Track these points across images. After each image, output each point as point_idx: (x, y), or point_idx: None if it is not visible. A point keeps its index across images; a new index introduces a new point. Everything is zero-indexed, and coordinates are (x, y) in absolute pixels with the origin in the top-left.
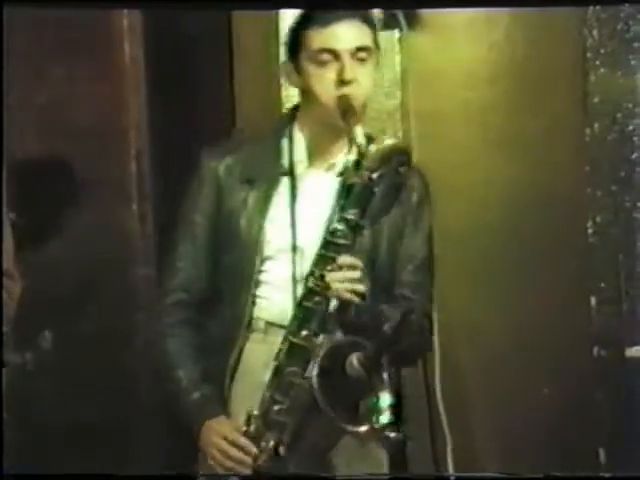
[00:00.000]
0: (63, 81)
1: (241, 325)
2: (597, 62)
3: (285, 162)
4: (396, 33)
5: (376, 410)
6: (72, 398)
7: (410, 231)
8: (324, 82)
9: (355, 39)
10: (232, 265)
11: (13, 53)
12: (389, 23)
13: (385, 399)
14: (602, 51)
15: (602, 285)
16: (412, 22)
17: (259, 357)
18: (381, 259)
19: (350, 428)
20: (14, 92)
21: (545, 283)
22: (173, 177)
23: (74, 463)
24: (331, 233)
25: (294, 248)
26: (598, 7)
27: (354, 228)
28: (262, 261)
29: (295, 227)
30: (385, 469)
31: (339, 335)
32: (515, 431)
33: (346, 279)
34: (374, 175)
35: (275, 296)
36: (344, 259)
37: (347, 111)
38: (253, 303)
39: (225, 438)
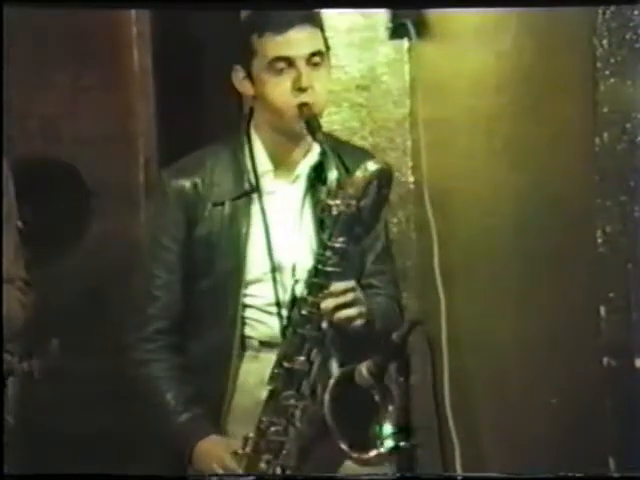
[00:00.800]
0: (71, 89)
1: (232, 345)
2: (607, 72)
3: (251, 177)
4: (405, 42)
5: (380, 437)
6: (79, 406)
7: (367, 224)
8: (280, 90)
9: (308, 45)
10: (213, 288)
11: (21, 61)
12: (398, 32)
13: (387, 428)
14: (612, 60)
15: (611, 295)
16: (421, 31)
17: (254, 376)
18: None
19: (355, 454)
20: (22, 100)
21: (554, 293)
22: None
23: (80, 471)
24: (320, 262)
25: (273, 271)
26: (608, 16)
27: (342, 255)
28: (246, 285)
29: (272, 251)
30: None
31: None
32: (524, 441)
33: (340, 305)
34: (361, 203)
35: (264, 318)
36: (337, 286)
37: (311, 122)
38: (243, 324)
39: (227, 448)
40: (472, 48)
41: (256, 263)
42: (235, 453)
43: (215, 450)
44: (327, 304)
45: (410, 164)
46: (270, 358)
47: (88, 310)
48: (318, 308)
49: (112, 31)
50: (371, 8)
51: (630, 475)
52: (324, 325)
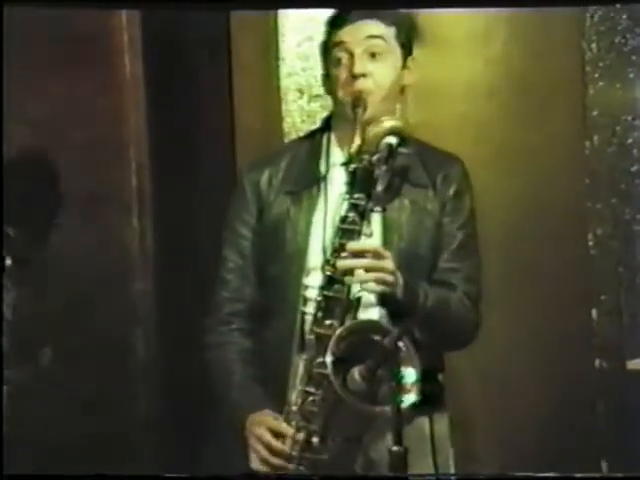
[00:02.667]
0: (63, 96)
1: (292, 341)
2: (596, 75)
3: (322, 167)
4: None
5: (400, 388)
6: (72, 414)
7: (447, 221)
8: (339, 79)
9: (367, 30)
10: (280, 276)
11: (13, 68)
12: None
13: (410, 374)
14: (601, 64)
15: (603, 297)
16: None
17: None
18: (409, 247)
19: (376, 409)
20: (14, 107)
21: (546, 295)
22: (173, 192)
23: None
24: (342, 220)
25: (324, 253)
26: (596, 20)
27: (362, 213)
28: (307, 273)
29: (326, 235)
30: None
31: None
32: (516, 442)
33: (359, 266)
34: (374, 158)
35: None
36: (354, 245)
37: (357, 104)
38: (302, 321)
39: (268, 428)
40: (462, 53)
41: (316, 250)
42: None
43: (264, 420)
44: (342, 263)
45: None
46: None
47: (80, 317)
48: (340, 268)
49: (103, 37)
50: (370, 9)
51: (628, 475)
52: (353, 288)
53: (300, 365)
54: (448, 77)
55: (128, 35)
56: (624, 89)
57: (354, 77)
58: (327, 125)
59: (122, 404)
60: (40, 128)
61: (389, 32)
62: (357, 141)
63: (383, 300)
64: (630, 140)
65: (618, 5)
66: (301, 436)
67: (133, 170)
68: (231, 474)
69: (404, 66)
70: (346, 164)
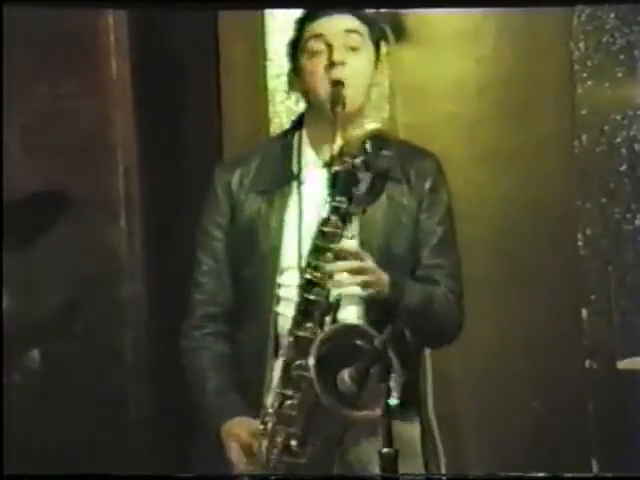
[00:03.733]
0: (49, 98)
1: (267, 343)
2: (584, 74)
3: (294, 167)
4: (383, 47)
5: (385, 391)
6: (60, 417)
7: (425, 216)
8: (316, 69)
9: (343, 24)
10: (253, 276)
11: None
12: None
13: (394, 378)
14: (589, 63)
15: (593, 297)
16: (399, 35)
17: None
18: (387, 244)
19: (355, 414)
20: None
21: (535, 295)
22: (161, 194)
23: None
24: (323, 223)
25: (300, 255)
26: (583, 20)
27: (344, 216)
28: (281, 272)
29: (301, 236)
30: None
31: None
32: (506, 443)
33: (342, 269)
34: (357, 161)
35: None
36: (339, 247)
37: (336, 101)
38: (275, 322)
39: (251, 432)
40: (451, 53)
41: (290, 249)
42: (254, 434)
43: (237, 429)
44: (330, 267)
45: None
46: None
47: (68, 320)
48: (320, 270)
49: (89, 39)
50: (366, 8)
51: (620, 475)
52: (334, 291)
53: (277, 367)
54: (437, 76)
55: (115, 36)
56: (612, 88)
57: (332, 65)
58: (299, 124)
59: (111, 407)
60: (26, 131)
61: (364, 29)
62: (338, 141)
63: (369, 300)
64: (619, 139)
65: (606, 4)
66: (279, 440)
67: (120, 172)
68: (228, 474)
69: (376, 65)
70: (327, 166)
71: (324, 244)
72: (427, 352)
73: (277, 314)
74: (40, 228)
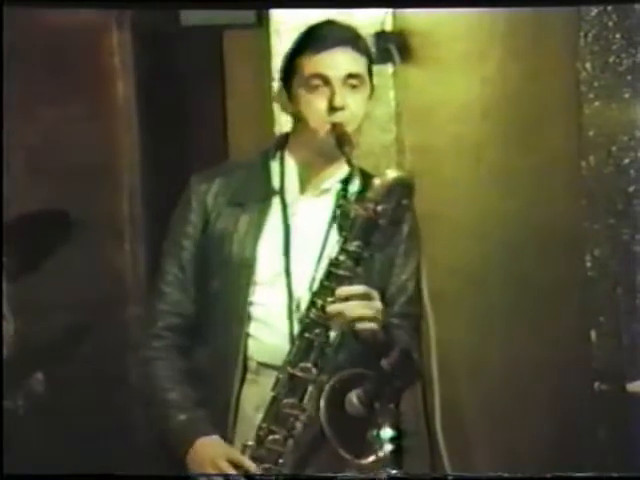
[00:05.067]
0: (55, 121)
1: (235, 364)
2: (591, 95)
3: (276, 185)
4: (390, 67)
5: (379, 441)
6: (65, 440)
7: (401, 262)
8: (315, 108)
9: (347, 66)
10: (223, 290)
11: (5, 93)
12: (383, 57)
13: (386, 432)
14: (596, 84)
15: (601, 319)
16: (405, 56)
17: (251, 400)
18: (373, 280)
19: (355, 460)
20: (6, 132)
21: (544, 317)
22: (166, 216)
23: None
24: (334, 265)
25: (288, 275)
26: (590, 40)
27: (357, 260)
28: (254, 287)
29: (289, 258)
30: None
31: (345, 369)
32: (516, 466)
33: (350, 310)
34: (379, 208)
35: (266, 335)
36: (345, 290)
37: (342, 139)
38: (245, 342)
39: (230, 460)
40: (457, 73)
41: (268, 268)
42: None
43: (212, 451)
44: (333, 307)
45: None
46: (269, 382)
47: (73, 343)
48: (325, 312)
49: (94, 61)
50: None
51: (624, 475)
52: (333, 333)
53: (248, 394)
54: (443, 97)
55: (119, 57)
56: (619, 109)
57: (333, 109)
58: (283, 144)
59: (116, 431)
60: (32, 153)
61: (364, 64)
62: (356, 183)
63: (364, 340)
64: (627, 160)
65: (610, 24)
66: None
67: (125, 194)
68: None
69: (370, 96)
70: (342, 207)
71: (334, 285)
72: (435, 377)
73: (247, 335)
74: (45, 250)
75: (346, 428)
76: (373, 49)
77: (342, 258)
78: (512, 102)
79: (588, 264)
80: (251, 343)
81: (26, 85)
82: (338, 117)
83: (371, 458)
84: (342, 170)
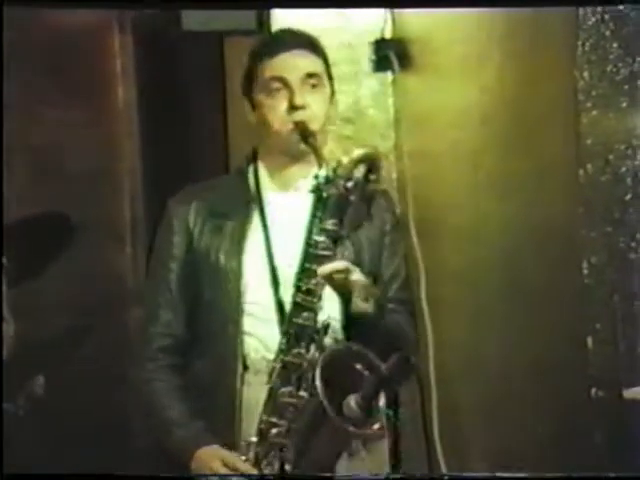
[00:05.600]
0: (57, 124)
1: (235, 363)
2: (588, 104)
3: (252, 191)
4: (389, 75)
5: (380, 411)
6: (66, 443)
7: (389, 252)
8: (276, 110)
9: (304, 66)
10: (215, 299)
11: (7, 96)
12: (382, 65)
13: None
14: (593, 93)
15: (598, 326)
16: (404, 64)
17: (257, 398)
18: (373, 267)
19: (360, 430)
20: (8, 135)
21: (541, 324)
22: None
23: None
24: (313, 245)
25: (273, 271)
26: (587, 49)
27: (335, 238)
28: (245, 289)
29: (271, 253)
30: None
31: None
32: (512, 471)
33: (331, 270)
34: (349, 184)
35: (261, 330)
36: (326, 267)
37: (306, 133)
38: (241, 341)
39: (225, 463)
40: (456, 81)
41: (254, 267)
42: (228, 465)
43: (220, 454)
44: (322, 270)
45: (396, 196)
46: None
47: (73, 345)
48: (312, 295)
49: (96, 66)
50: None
51: (624, 475)
52: (321, 316)
53: (249, 392)
54: (442, 104)
55: (121, 61)
56: (617, 118)
57: (294, 108)
58: (253, 157)
59: (117, 433)
60: (34, 156)
61: (321, 65)
62: (322, 169)
63: (354, 320)
64: (624, 169)
65: (608, 33)
66: (270, 468)
67: (126, 198)
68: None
69: (331, 100)
70: (315, 190)
71: (315, 267)
72: (433, 381)
73: (243, 333)
74: (46, 253)
75: (342, 400)
76: (373, 57)
77: (319, 238)
78: (510, 109)
79: (585, 271)
80: (250, 341)
81: (28, 88)
82: (299, 116)
83: (376, 426)
84: (313, 168)
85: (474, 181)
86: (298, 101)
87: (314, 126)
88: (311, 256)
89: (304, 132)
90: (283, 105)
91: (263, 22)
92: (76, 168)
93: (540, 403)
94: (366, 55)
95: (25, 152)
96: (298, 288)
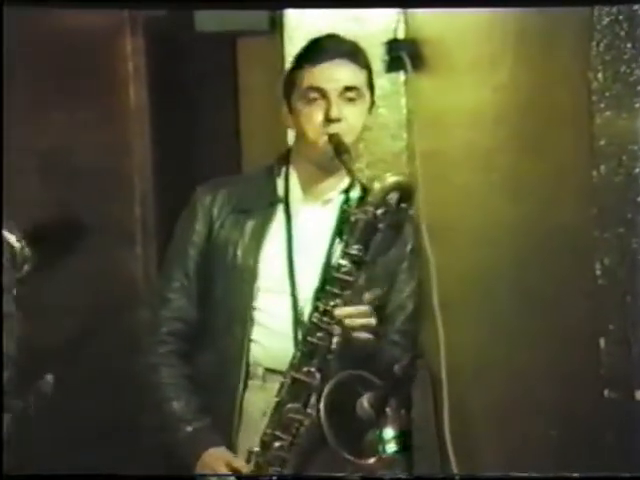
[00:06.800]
0: (68, 126)
1: (238, 369)
2: (602, 105)
3: (280, 195)
4: (401, 75)
5: (381, 442)
6: (74, 442)
7: (403, 278)
8: (312, 120)
9: (344, 79)
10: (226, 295)
11: (17, 98)
12: (394, 65)
13: (388, 432)
14: (607, 94)
15: (611, 327)
16: (417, 64)
17: (258, 406)
18: (384, 296)
19: (357, 461)
20: (18, 137)
21: (553, 325)
22: (177, 221)
23: None
24: (335, 269)
25: (292, 281)
26: (602, 50)
27: (357, 264)
28: (257, 293)
29: (292, 264)
30: None
31: (345, 371)
32: (524, 473)
33: (355, 314)
34: (378, 211)
35: (272, 341)
36: (344, 310)
37: (340, 148)
38: (248, 349)
39: (228, 465)
40: (468, 81)
41: (271, 274)
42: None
43: (225, 456)
44: (340, 312)
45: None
46: (275, 387)
47: (84, 345)
48: (329, 316)
49: (108, 67)
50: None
51: (620, 475)
52: (335, 337)
53: (251, 400)
54: (455, 104)
55: (133, 64)
56: (630, 119)
57: (330, 121)
58: (285, 158)
59: (125, 433)
60: (44, 157)
61: (363, 77)
62: (357, 191)
63: (358, 348)
64: (637, 170)
65: (622, 33)
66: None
67: (137, 200)
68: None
69: (370, 110)
70: (343, 212)
71: (336, 290)
72: (444, 383)
73: (251, 340)
74: (56, 254)
75: (347, 429)
76: (385, 57)
77: (343, 262)
78: (523, 110)
79: (598, 272)
80: (256, 349)
81: (39, 90)
82: (334, 128)
83: (372, 459)
84: (344, 181)
85: (487, 182)
86: (334, 114)
87: (349, 139)
88: (332, 279)
89: (338, 147)
90: (319, 116)
91: (276, 23)
92: (87, 169)
93: (553, 405)
94: (379, 55)
95: (36, 154)
96: (316, 308)
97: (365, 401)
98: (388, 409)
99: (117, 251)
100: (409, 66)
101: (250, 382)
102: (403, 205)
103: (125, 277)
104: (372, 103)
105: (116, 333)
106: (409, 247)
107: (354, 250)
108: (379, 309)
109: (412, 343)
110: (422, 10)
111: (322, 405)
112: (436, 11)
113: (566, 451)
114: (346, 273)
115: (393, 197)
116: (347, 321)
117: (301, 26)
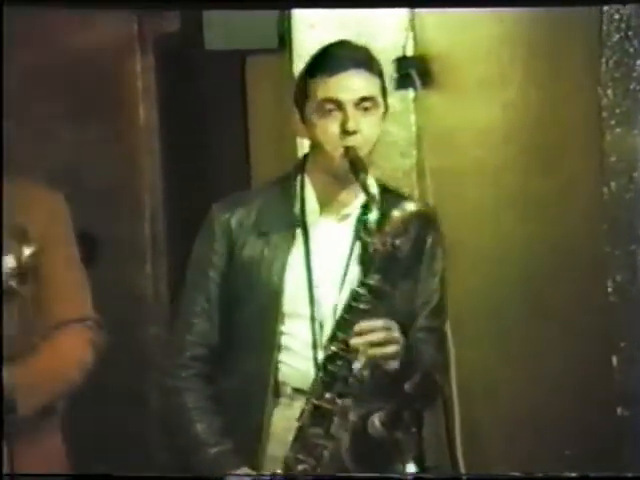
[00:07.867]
0: (77, 143)
1: (265, 390)
2: (612, 121)
3: (297, 211)
4: (411, 92)
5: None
6: (86, 460)
7: (425, 275)
8: (328, 132)
9: (359, 89)
10: (251, 318)
11: (28, 114)
12: (403, 82)
13: (411, 467)
14: (617, 111)
15: (623, 344)
16: (426, 81)
17: (285, 425)
18: (396, 305)
19: None
20: (29, 154)
21: (565, 342)
22: (187, 238)
23: None
24: (355, 299)
25: (312, 305)
26: (611, 66)
27: (377, 294)
28: (282, 318)
29: (312, 288)
30: None
31: (369, 402)
32: None
33: (371, 343)
34: (397, 242)
35: (298, 363)
36: (364, 325)
37: (356, 164)
38: (276, 368)
39: None
40: (478, 98)
41: (294, 296)
42: None
43: None
44: (355, 341)
45: None
46: (303, 406)
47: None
48: (347, 345)
49: (118, 85)
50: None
51: (620, 475)
52: (355, 365)
53: (279, 420)
54: (464, 122)
55: (142, 82)
56: None
57: (346, 133)
58: (301, 167)
59: (136, 450)
60: (54, 176)
61: (378, 85)
62: (375, 211)
63: (387, 372)
64: None
65: (632, 50)
66: None
67: (147, 217)
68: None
69: (384, 116)
70: (361, 239)
71: (354, 319)
72: (455, 399)
73: (278, 362)
74: None
75: (369, 462)
76: (394, 75)
77: (362, 292)
78: (533, 127)
79: (609, 289)
80: (284, 369)
81: (49, 107)
82: (350, 141)
83: None
84: (361, 194)
85: (496, 199)
86: (351, 126)
87: (364, 150)
88: (353, 309)
89: (355, 163)
90: (336, 128)
91: (285, 41)
92: (97, 186)
93: (565, 422)
94: (388, 73)
95: (46, 171)
96: (335, 337)
97: (376, 419)
98: (399, 433)
99: (127, 267)
100: (418, 83)
101: (279, 400)
102: (423, 234)
103: (135, 293)
104: (386, 108)
105: (126, 348)
106: (429, 242)
107: (374, 281)
108: (405, 311)
109: (439, 340)
110: (431, 26)
111: (346, 438)
112: (445, 11)
113: (579, 469)
114: (365, 303)
115: (413, 227)
116: (366, 350)
117: (310, 44)
